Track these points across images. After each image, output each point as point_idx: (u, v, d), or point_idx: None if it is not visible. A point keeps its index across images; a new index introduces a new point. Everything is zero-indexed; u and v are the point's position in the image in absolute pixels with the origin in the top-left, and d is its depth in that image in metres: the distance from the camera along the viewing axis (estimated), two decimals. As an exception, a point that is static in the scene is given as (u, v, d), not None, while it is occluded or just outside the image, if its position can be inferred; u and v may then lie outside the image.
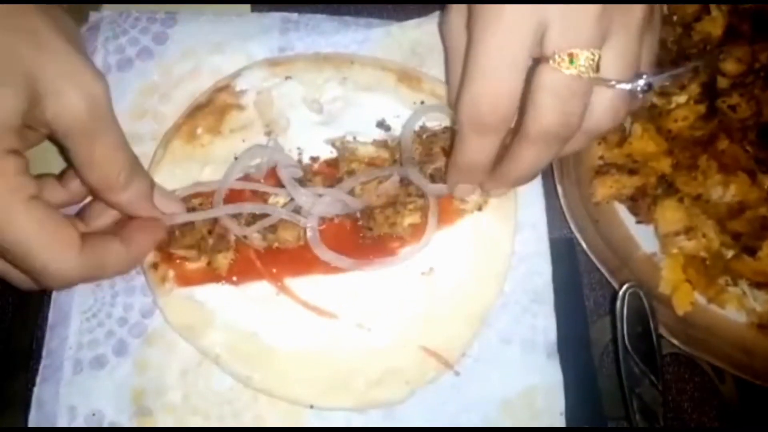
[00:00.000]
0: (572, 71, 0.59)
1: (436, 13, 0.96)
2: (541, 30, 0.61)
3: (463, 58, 0.66)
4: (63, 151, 0.69)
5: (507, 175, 0.72)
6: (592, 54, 0.60)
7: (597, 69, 0.61)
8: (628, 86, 0.63)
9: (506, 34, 0.60)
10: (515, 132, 0.66)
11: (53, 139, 0.69)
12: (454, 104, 0.70)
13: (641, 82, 0.63)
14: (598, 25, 0.60)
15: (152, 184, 0.77)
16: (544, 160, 0.67)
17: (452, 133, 0.86)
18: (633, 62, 0.64)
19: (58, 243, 0.65)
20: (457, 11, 0.73)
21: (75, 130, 0.65)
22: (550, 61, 0.60)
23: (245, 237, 0.81)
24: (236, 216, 0.82)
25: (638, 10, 0.63)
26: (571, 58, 0.59)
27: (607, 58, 0.62)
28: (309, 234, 0.81)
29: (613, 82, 0.63)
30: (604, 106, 0.64)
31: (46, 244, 0.64)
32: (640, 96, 0.64)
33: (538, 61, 0.62)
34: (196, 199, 0.83)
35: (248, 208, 0.82)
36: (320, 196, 0.82)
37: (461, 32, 0.70)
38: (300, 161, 0.88)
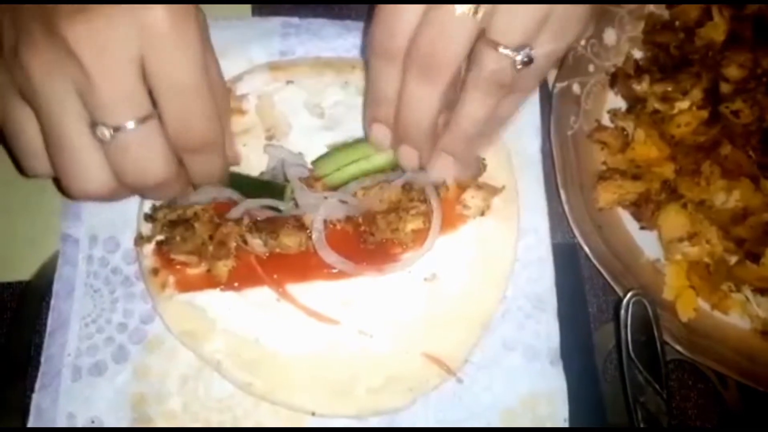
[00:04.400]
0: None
1: (438, 18, 0.95)
2: None
3: None
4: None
5: (456, 131, 0.75)
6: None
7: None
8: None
9: None
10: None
11: None
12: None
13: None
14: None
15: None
16: (486, 108, 0.72)
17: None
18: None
19: None
20: None
21: None
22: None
23: (245, 242, 0.80)
24: (238, 221, 0.81)
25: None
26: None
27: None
28: (314, 236, 0.80)
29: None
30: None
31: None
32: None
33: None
34: (198, 204, 0.82)
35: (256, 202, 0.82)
36: (325, 198, 0.81)
37: None
38: (302, 166, 0.87)
